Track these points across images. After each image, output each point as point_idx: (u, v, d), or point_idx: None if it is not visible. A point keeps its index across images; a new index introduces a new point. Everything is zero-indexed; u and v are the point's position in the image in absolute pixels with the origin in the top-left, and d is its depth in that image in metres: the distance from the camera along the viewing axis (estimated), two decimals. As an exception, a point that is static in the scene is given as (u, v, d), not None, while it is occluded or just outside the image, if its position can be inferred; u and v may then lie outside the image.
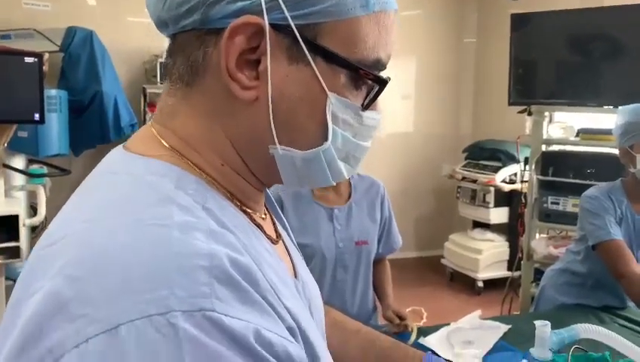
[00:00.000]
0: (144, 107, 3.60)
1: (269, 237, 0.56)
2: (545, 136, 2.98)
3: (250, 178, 0.53)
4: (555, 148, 3.12)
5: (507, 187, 3.96)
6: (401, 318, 1.58)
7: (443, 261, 4.45)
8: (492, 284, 4.00)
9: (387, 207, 1.76)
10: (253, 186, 0.54)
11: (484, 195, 4.10)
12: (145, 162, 0.48)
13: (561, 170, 2.87)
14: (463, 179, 4.26)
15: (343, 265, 1.64)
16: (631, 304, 1.85)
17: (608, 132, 2.30)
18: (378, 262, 1.79)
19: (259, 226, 0.54)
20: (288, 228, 0.73)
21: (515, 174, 3.90)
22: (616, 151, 1.91)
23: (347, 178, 0.57)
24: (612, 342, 0.84)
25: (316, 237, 1.61)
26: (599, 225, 1.79)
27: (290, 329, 0.44)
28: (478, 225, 4.33)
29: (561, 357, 1.14)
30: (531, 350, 0.71)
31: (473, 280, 4.11)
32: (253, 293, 0.41)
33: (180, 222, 0.41)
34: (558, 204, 2.83)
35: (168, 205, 0.43)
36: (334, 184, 0.57)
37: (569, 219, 2.73)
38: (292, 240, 0.70)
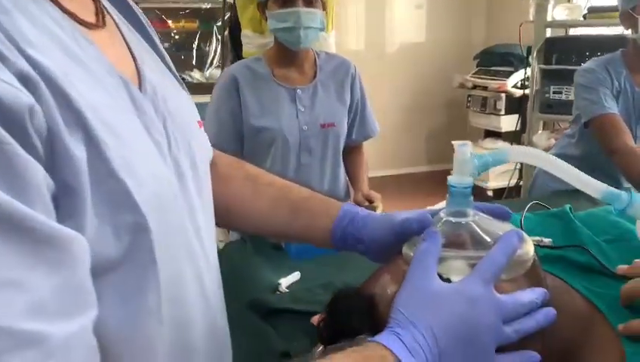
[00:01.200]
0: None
1: (73, 16, 0.46)
2: (549, 19, 2.73)
3: None
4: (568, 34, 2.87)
5: (518, 92, 3.73)
6: (371, 201, 1.50)
7: (453, 173, 4.33)
8: (502, 193, 3.88)
9: (359, 88, 1.63)
10: None
11: (495, 102, 3.90)
12: None
13: (566, 56, 2.63)
14: (474, 87, 4.06)
15: (307, 149, 1.54)
16: (627, 185, 1.71)
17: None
18: (353, 149, 1.69)
19: None
20: (156, 41, 0.64)
21: (528, 78, 3.67)
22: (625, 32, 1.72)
23: None
24: (555, 169, 0.66)
25: (277, 119, 1.50)
26: (593, 99, 1.63)
27: (22, 79, 0.36)
28: (489, 134, 4.16)
29: (517, 216, 1.04)
30: (449, 178, 0.60)
31: (484, 190, 4.00)
32: None
33: None
34: (560, 93, 2.63)
35: None
36: None
37: (571, 108, 2.55)
38: (166, 64, 0.63)
